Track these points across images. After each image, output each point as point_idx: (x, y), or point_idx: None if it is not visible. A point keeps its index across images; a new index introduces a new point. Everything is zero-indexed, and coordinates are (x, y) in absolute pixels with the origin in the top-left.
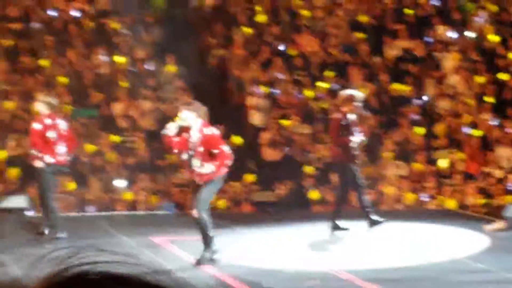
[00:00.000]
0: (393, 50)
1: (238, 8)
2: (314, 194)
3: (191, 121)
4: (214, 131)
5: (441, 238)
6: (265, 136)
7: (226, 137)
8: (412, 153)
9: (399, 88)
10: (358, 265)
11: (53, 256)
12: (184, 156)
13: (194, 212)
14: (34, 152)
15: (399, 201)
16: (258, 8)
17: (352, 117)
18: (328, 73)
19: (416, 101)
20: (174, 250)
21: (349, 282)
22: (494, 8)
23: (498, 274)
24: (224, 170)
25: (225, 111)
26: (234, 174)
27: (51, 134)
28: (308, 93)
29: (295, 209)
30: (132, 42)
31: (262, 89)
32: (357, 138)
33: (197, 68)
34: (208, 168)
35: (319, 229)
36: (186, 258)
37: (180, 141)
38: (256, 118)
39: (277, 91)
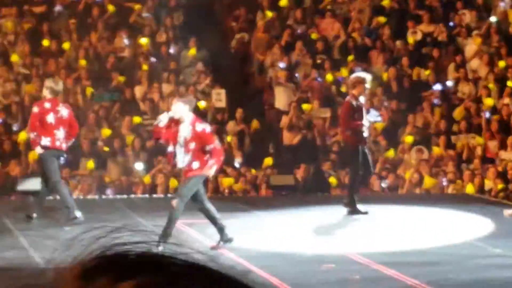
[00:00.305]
0: (415, 34)
1: None
2: (332, 179)
3: (183, 114)
4: (206, 127)
5: (458, 222)
6: (284, 120)
7: (247, 120)
8: (432, 137)
9: (420, 72)
10: (374, 249)
11: (85, 237)
12: (170, 148)
13: (174, 202)
14: (32, 135)
15: (419, 185)
16: None
17: (362, 99)
18: (350, 57)
19: (437, 86)
20: (192, 233)
21: (365, 265)
22: None
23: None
24: (214, 169)
25: (246, 94)
26: (254, 158)
27: (49, 118)
28: (329, 77)
29: (313, 192)
30: (155, 26)
31: (283, 73)
32: (366, 121)
33: (219, 52)
34: (196, 165)
35: (337, 213)
36: (204, 241)
37: (168, 133)
38: (279, 101)
39: (297, 75)
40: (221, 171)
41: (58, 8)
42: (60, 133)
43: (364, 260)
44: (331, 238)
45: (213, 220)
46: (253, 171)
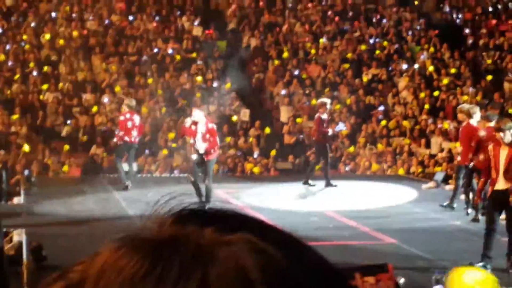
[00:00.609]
0: (367, 75)
1: (271, 48)
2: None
3: (200, 118)
4: (214, 125)
5: (394, 192)
6: (285, 128)
7: (262, 128)
8: (377, 139)
9: (370, 99)
10: (342, 208)
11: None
12: (191, 141)
13: (206, 181)
14: (119, 133)
15: (369, 169)
16: (284, 48)
17: (324, 116)
18: (327, 89)
19: (381, 107)
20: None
21: (336, 218)
22: (431, 49)
23: (427, 214)
24: (216, 154)
25: (261, 112)
26: (266, 151)
27: (128, 124)
28: (314, 101)
29: (303, 173)
30: (205, 69)
31: (285, 99)
32: (331, 130)
33: (245, 86)
34: (211, 151)
35: (319, 185)
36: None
37: (190, 130)
38: (283, 117)
39: (294, 100)
40: (245, 159)
41: (144, 57)
42: (134, 133)
43: (335, 215)
44: (315, 200)
45: (199, 191)
46: (265, 160)
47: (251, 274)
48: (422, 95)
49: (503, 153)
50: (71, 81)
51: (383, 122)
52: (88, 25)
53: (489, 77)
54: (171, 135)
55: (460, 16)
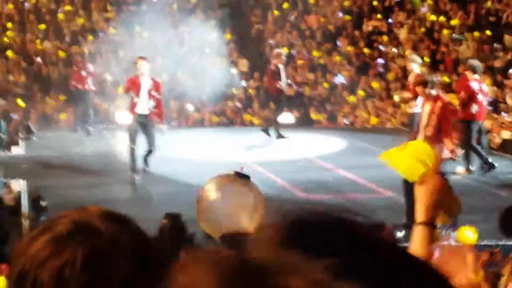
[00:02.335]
0: (368, 26)
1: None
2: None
3: (145, 70)
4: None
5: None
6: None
7: (261, 79)
8: (377, 91)
9: (369, 51)
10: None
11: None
12: (134, 98)
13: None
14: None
15: (368, 122)
16: None
17: (281, 67)
18: (327, 41)
19: (380, 60)
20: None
21: (320, 165)
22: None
23: None
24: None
25: (261, 62)
26: (264, 103)
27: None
28: (315, 53)
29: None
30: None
31: (284, 50)
32: (284, 83)
33: (245, 36)
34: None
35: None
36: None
37: (134, 84)
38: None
39: (293, 52)
40: (246, 112)
41: (144, 7)
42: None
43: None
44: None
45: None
46: (265, 112)
47: None
48: (422, 47)
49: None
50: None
51: (382, 75)
52: None
53: (488, 32)
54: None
55: None
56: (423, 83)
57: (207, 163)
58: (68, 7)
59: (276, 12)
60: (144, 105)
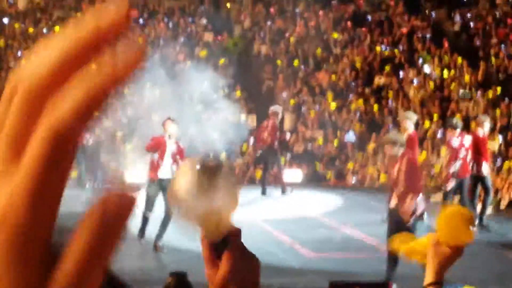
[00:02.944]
0: (378, 83)
1: (281, 56)
2: (328, 174)
3: (174, 133)
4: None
5: None
6: (293, 137)
7: None
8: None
9: (379, 108)
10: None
11: None
12: (158, 160)
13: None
14: None
15: (377, 180)
16: (294, 56)
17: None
18: (336, 97)
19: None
20: None
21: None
22: (446, 58)
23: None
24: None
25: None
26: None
27: None
28: (332, 106)
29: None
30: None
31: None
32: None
33: (255, 93)
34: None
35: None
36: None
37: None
38: (286, 124)
39: (303, 107)
40: (255, 168)
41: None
42: None
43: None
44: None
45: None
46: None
47: None
48: (435, 104)
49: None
50: None
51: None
52: None
53: (499, 88)
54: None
55: (471, 25)
56: (393, 142)
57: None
58: None
59: (286, 70)
60: (168, 170)
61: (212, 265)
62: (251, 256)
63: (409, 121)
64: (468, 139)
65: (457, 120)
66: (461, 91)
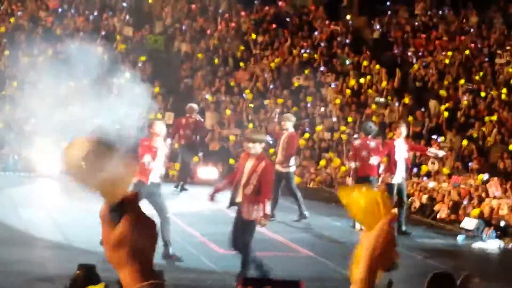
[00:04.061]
0: (296, 85)
1: (201, 54)
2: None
3: (163, 132)
4: None
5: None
6: (209, 135)
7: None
8: (302, 151)
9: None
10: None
11: None
12: (149, 163)
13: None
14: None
15: None
16: (215, 55)
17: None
18: (254, 98)
19: (306, 119)
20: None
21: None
22: (364, 62)
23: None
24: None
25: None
26: None
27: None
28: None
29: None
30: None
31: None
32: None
33: (173, 90)
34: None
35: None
36: None
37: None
38: (207, 122)
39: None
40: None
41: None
42: None
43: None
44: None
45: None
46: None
47: None
48: (347, 109)
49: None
50: None
51: (306, 135)
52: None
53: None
54: None
55: (391, 33)
56: (252, 140)
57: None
58: None
59: (206, 68)
60: (157, 172)
61: (108, 227)
62: (146, 219)
63: (289, 122)
64: (372, 143)
65: (371, 125)
66: (376, 98)
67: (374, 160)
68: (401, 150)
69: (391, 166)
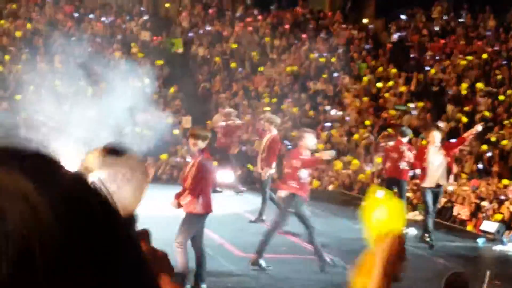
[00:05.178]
0: (314, 89)
1: (219, 58)
2: None
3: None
4: None
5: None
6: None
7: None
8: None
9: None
10: None
11: None
12: None
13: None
14: None
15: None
16: (231, 59)
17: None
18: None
19: (327, 124)
20: None
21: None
22: (380, 69)
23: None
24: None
25: (206, 116)
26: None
27: None
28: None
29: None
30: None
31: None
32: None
33: (191, 94)
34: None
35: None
36: None
37: None
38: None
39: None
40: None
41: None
42: None
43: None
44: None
45: None
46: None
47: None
48: (365, 113)
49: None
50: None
51: (324, 138)
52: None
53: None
54: None
55: (407, 37)
56: (195, 135)
57: (146, 217)
58: None
59: (223, 72)
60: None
61: None
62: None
63: (273, 124)
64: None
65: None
66: (396, 105)
67: (404, 163)
68: (435, 156)
69: (422, 172)
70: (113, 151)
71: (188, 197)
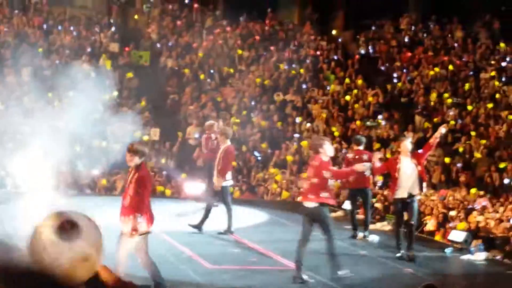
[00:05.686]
0: (282, 101)
1: (188, 70)
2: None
3: None
4: None
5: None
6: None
7: (170, 149)
8: (289, 165)
9: (283, 125)
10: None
11: None
12: None
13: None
14: None
15: (279, 196)
16: (200, 70)
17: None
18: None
19: (296, 135)
20: None
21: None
22: (347, 80)
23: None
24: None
25: (174, 128)
26: (181, 164)
27: None
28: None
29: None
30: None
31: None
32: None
33: (160, 106)
34: None
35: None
36: None
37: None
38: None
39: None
40: (156, 180)
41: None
42: None
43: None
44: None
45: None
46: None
47: None
48: (334, 124)
49: None
50: None
51: (295, 146)
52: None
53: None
54: None
55: (376, 48)
56: (134, 151)
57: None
58: None
59: (192, 84)
60: None
61: None
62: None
63: (225, 136)
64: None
65: (360, 136)
66: (367, 122)
67: (368, 172)
68: (407, 165)
69: (392, 183)
70: (68, 228)
71: (130, 215)
